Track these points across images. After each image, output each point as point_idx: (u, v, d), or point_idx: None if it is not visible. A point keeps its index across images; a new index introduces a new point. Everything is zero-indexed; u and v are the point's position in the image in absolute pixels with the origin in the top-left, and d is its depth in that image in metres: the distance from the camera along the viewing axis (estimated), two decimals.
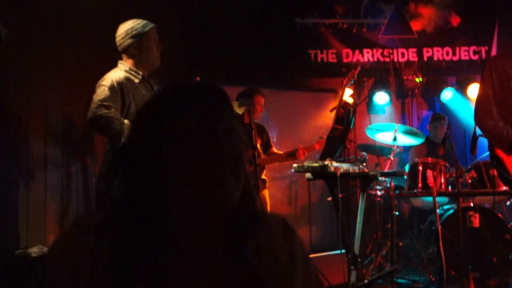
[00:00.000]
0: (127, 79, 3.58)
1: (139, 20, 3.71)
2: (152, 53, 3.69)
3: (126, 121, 3.44)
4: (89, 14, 5.32)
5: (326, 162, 3.57)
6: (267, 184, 5.45)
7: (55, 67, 4.95)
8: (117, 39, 3.69)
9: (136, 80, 3.63)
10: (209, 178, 1.13)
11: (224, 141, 1.15)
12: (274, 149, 5.68)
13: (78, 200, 5.17)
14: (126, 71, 3.63)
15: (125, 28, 3.67)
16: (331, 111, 5.52)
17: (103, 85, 3.50)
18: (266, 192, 5.39)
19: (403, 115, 7.57)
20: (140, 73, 3.65)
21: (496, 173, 5.11)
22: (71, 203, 5.10)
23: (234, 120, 1.20)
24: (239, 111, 4.51)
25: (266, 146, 5.60)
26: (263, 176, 5.36)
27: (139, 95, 3.60)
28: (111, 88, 3.47)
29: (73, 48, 5.15)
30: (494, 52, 7.33)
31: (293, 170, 3.70)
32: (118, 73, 3.60)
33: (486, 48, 7.40)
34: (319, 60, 7.42)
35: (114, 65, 3.77)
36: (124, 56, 3.70)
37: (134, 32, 3.64)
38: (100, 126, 3.42)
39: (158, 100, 1.24)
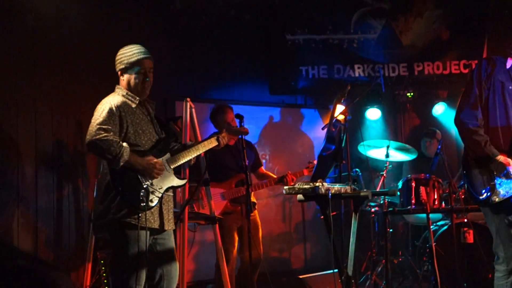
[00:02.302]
0: (124, 103, 3.61)
1: (136, 47, 3.70)
2: (137, 84, 3.66)
3: (124, 144, 3.47)
4: (78, 35, 5.30)
5: (317, 184, 3.54)
6: (256, 207, 5.41)
7: (44, 88, 4.92)
8: (115, 62, 3.72)
9: (133, 105, 3.67)
10: None
11: None
12: (263, 169, 5.63)
13: (70, 223, 5.13)
14: (123, 95, 3.67)
15: (121, 52, 3.69)
16: (322, 129, 5.50)
17: (101, 109, 3.53)
18: (256, 214, 5.36)
19: (395, 131, 7.57)
20: (137, 98, 3.68)
21: None
22: (62, 227, 5.05)
23: None
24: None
25: (254, 165, 5.54)
26: (252, 199, 5.32)
27: (137, 119, 3.64)
28: (110, 111, 3.50)
29: (62, 69, 5.13)
30: None
31: (284, 192, 3.67)
32: (116, 97, 3.63)
33: (476, 61, 7.41)
34: (310, 76, 7.41)
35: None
36: (120, 78, 3.73)
37: (124, 59, 3.65)
38: (99, 150, 3.44)
39: None
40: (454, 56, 7.49)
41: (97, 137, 3.40)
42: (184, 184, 4.03)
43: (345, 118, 4.37)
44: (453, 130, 7.20)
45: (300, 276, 5.11)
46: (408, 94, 7.34)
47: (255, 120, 6.85)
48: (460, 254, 5.19)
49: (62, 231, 5.04)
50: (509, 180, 3.60)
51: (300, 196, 3.68)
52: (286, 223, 7.19)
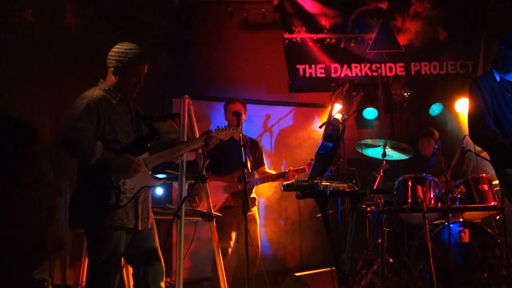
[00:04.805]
0: (104, 99, 3.52)
1: (138, 50, 3.59)
2: (129, 85, 3.60)
3: (99, 142, 3.38)
4: (77, 31, 5.28)
5: (315, 181, 3.54)
6: (256, 202, 5.42)
7: (43, 84, 4.90)
8: (108, 54, 3.63)
9: (114, 101, 3.58)
10: None
11: None
12: (266, 168, 5.60)
13: (67, 217, 5.11)
14: (104, 90, 3.58)
15: (119, 48, 3.58)
16: (320, 127, 5.52)
17: (79, 104, 3.43)
18: (255, 210, 5.37)
19: (392, 130, 7.58)
20: (119, 94, 3.60)
21: (486, 188, 5.13)
22: (59, 221, 5.04)
23: None
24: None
25: (257, 163, 5.53)
26: (252, 195, 5.34)
27: (115, 116, 3.55)
28: (87, 108, 3.41)
29: (61, 65, 5.10)
30: (480, 66, 7.37)
31: (282, 189, 3.67)
32: (96, 92, 3.53)
33: (473, 62, 7.44)
34: (307, 75, 7.43)
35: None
36: (108, 72, 3.64)
37: (123, 58, 3.55)
38: (70, 147, 3.38)
39: None
40: (451, 56, 7.51)
41: (69, 134, 3.32)
42: (158, 184, 3.94)
43: (342, 117, 4.37)
44: (450, 129, 7.22)
45: (296, 274, 5.11)
46: (405, 93, 7.35)
47: (252, 118, 6.85)
48: (456, 253, 5.22)
49: (59, 226, 5.03)
50: None
51: (298, 193, 3.68)
52: (282, 221, 7.20)
